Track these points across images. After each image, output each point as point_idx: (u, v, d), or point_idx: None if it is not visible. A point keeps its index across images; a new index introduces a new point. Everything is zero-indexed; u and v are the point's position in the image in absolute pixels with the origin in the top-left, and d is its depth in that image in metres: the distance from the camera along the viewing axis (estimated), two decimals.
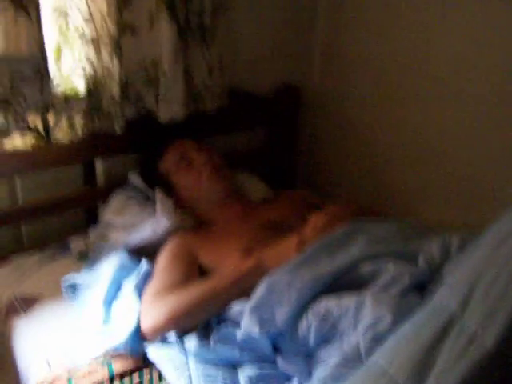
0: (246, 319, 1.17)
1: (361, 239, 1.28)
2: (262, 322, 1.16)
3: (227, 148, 1.93)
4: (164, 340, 1.26)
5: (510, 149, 1.58)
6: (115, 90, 1.49)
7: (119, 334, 1.27)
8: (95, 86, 1.50)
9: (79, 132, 1.49)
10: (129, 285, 1.42)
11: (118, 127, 1.54)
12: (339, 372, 1.03)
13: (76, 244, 1.64)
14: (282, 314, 1.15)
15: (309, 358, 1.16)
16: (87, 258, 1.60)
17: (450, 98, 1.70)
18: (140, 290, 1.40)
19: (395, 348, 0.89)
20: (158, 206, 1.59)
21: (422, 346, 0.83)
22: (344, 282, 1.20)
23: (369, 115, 1.97)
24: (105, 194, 1.73)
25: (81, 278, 1.45)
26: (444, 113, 1.73)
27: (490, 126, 1.60)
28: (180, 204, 1.64)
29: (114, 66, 1.46)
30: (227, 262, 1.42)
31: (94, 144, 1.63)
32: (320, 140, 2.17)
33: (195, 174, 1.62)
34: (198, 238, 1.54)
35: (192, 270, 1.45)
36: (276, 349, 1.19)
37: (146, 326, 1.27)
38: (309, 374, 1.14)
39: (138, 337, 1.27)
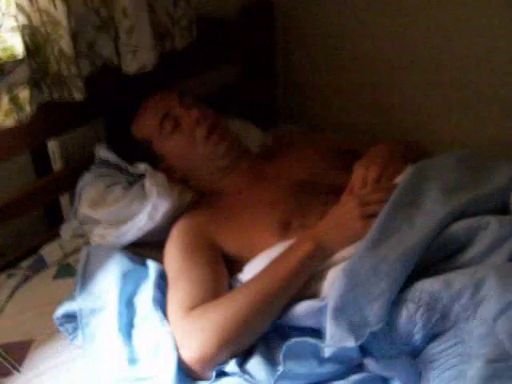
0: (331, 328, 0.89)
1: (432, 190, 1.02)
2: (354, 328, 0.88)
3: (198, 92, 1.54)
4: (220, 373, 0.94)
5: None
6: (65, 41, 1.07)
7: (160, 378, 0.93)
8: (35, 42, 1.06)
9: (27, 110, 1.07)
10: (143, 300, 1.07)
11: (77, 93, 1.12)
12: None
13: (50, 253, 1.25)
14: (375, 311, 0.89)
15: (412, 357, 0.92)
16: (71, 271, 1.21)
17: None
18: (160, 303, 1.05)
19: None
20: (150, 185, 1.21)
21: None
22: (432, 254, 0.95)
23: (355, 22, 1.62)
24: (67, 183, 1.33)
25: (76, 303, 1.07)
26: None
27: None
28: (173, 177, 1.27)
29: (57, 9, 1.03)
30: (261, 246, 1.10)
31: (44, 121, 1.21)
32: (299, 64, 1.80)
33: (187, 137, 1.24)
34: (211, 217, 1.19)
35: (217, 262, 1.12)
36: (362, 349, 0.92)
37: (192, 357, 0.94)
38: (415, 374, 0.89)
39: (185, 376, 0.94)
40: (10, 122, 1.05)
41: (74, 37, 1.10)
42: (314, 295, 1.00)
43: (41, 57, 1.08)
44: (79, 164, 1.35)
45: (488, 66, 1.44)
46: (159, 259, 1.16)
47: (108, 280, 1.11)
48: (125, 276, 1.11)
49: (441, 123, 1.57)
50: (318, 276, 1.01)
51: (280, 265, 1.00)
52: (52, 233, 1.33)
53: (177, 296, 1.04)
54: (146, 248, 1.24)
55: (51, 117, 1.24)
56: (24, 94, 1.06)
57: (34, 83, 1.09)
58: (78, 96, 1.13)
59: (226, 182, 1.27)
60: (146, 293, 1.08)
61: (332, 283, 0.96)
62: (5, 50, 1.00)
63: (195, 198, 1.27)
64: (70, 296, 1.10)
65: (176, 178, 1.27)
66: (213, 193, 1.27)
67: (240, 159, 1.28)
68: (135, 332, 1.03)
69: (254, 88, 1.75)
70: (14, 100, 1.04)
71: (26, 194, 1.30)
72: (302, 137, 1.50)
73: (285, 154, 1.32)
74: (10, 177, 1.30)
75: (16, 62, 1.03)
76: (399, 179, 1.07)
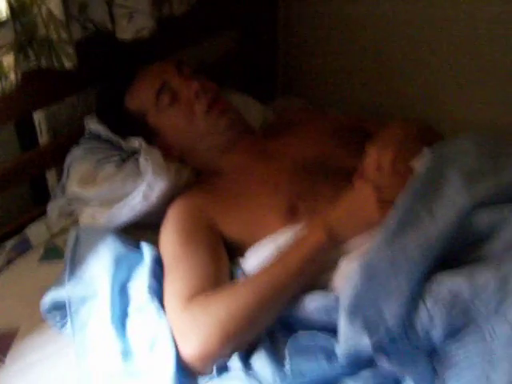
0: (345, 326, 0.82)
1: (452, 177, 0.94)
2: (370, 326, 0.82)
3: (194, 62, 1.45)
4: (223, 369, 0.87)
5: None
6: (54, 2, 0.96)
7: (156, 374, 0.85)
8: (21, 1, 0.95)
9: (11, 78, 0.96)
10: (138, 288, 0.99)
11: (67, 60, 1.02)
12: None
13: (36, 234, 1.16)
14: (393, 309, 0.82)
15: (427, 353, 0.85)
16: (58, 253, 1.12)
17: None
18: (156, 292, 0.97)
19: None
20: (145, 162, 1.12)
21: None
22: (453, 246, 0.88)
23: None
24: (54, 158, 1.23)
25: (65, 290, 0.99)
26: None
27: None
28: (170, 155, 1.17)
29: None
30: (265, 230, 1.02)
31: (30, 91, 1.11)
32: (302, 33, 1.69)
33: (185, 110, 1.15)
34: (211, 198, 1.10)
35: (217, 246, 1.04)
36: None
37: (193, 354, 0.87)
38: (430, 372, 0.83)
39: (184, 373, 0.86)
40: None
41: None
42: (323, 286, 0.94)
43: (26, 18, 0.98)
44: (67, 137, 1.26)
45: (502, 43, 1.35)
46: (155, 242, 1.07)
47: (99, 265, 1.02)
48: (117, 261, 1.03)
49: (451, 102, 1.48)
50: (329, 265, 0.94)
51: (289, 256, 0.92)
52: (38, 211, 1.24)
53: (174, 285, 0.96)
54: (140, 229, 1.15)
55: (37, 85, 1.14)
56: (8, 59, 0.95)
57: (20, 48, 0.99)
58: (68, 64, 1.03)
59: (227, 159, 1.18)
60: (141, 280, 1.00)
61: (345, 276, 0.89)
62: None
63: (193, 177, 1.18)
64: (58, 281, 1.01)
65: (172, 155, 1.18)
66: (212, 172, 1.18)
67: (242, 135, 1.19)
68: (129, 323, 0.95)
69: (253, 58, 1.65)
70: None
71: (10, 168, 1.21)
72: (306, 113, 1.40)
73: (289, 131, 1.23)
74: None
75: None
76: (415, 163, 0.99)
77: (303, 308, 0.90)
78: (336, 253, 0.94)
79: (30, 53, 1.02)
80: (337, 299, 0.86)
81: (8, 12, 0.92)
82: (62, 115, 1.25)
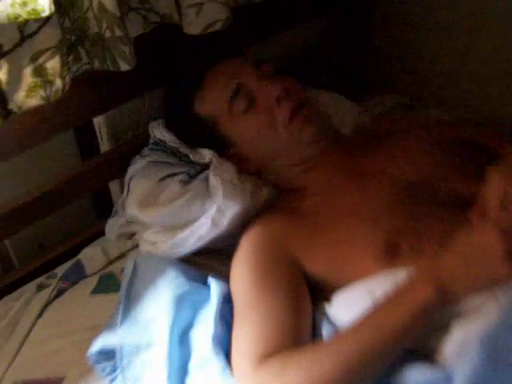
0: None
1: None
2: None
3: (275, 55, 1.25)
4: None
5: None
6: None
7: None
8: None
9: (57, 84, 0.81)
10: (202, 336, 0.82)
11: (124, 62, 0.86)
12: None
13: (91, 260, 1.01)
14: None
15: None
16: (114, 283, 0.97)
17: None
18: (223, 342, 0.80)
19: None
20: (215, 180, 0.94)
21: None
22: None
23: None
24: (117, 166, 1.09)
25: (117, 337, 0.84)
26: None
27: None
28: (245, 169, 0.99)
29: None
30: (358, 272, 0.83)
31: (87, 94, 0.96)
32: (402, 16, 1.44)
33: (264, 118, 0.96)
34: (292, 225, 0.91)
35: (299, 288, 0.86)
36: None
37: None
38: None
39: None
40: (34, 100, 0.80)
41: None
42: (428, 351, 0.74)
43: (75, 13, 0.82)
44: (132, 145, 1.11)
45: None
46: (226, 273, 0.90)
47: (158, 305, 0.86)
48: (180, 301, 0.87)
49: None
50: (437, 326, 0.73)
51: (387, 314, 0.72)
52: (103, 227, 1.10)
53: (245, 339, 0.78)
54: (208, 256, 0.98)
55: (95, 89, 0.99)
56: (53, 64, 0.80)
57: (68, 49, 0.83)
58: (124, 66, 0.87)
59: (312, 177, 0.98)
60: (206, 326, 0.83)
61: (458, 347, 0.68)
62: (24, 3, 0.73)
63: (272, 197, 0.99)
64: (110, 323, 0.86)
65: (248, 170, 0.99)
66: (293, 190, 0.99)
67: (330, 148, 0.98)
68: (188, 382, 0.78)
69: (345, 50, 1.43)
70: (38, 71, 0.78)
71: (70, 179, 1.07)
72: (408, 121, 1.15)
73: (387, 144, 1.01)
74: (53, 159, 1.07)
75: (41, 21, 0.76)
76: None
77: (402, 380, 0.70)
78: (446, 313, 0.72)
79: (82, 53, 0.86)
80: (446, 377, 0.66)
81: (52, 7, 0.75)
82: (124, 120, 1.10)
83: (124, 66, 0.87)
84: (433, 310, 0.72)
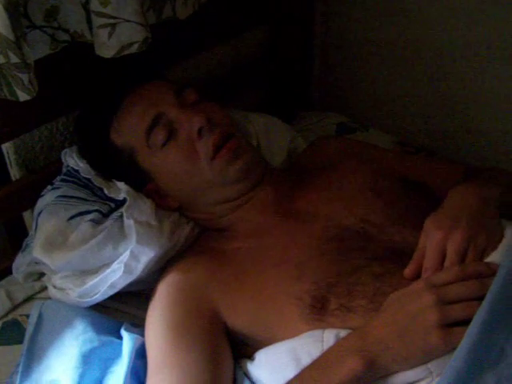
0: None
1: None
2: None
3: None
4: None
5: None
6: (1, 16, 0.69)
7: None
8: None
9: None
10: None
11: (22, 91, 0.75)
12: None
13: None
14: None
15: None
16: (18, 333, 0.88)
17: None
18: None
19: None
20: (129, 221, 0.85)
21: None
22: None
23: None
24: (28, 198, 0.98)
25: None
26: None
27: None
28: (164, 205, 0.91)
29: None
30: (282, 329, 0.76)
31: None
32: (343, 32, 1.37)
33: (185, 152, 0.87)
34: (215, 273, 0.84)
35: (220, 342, 0.79)
36: None
37: None
38: None
39: None
40: None
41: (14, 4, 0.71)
42: None
43: None
44: (44, 173, 1.00)
45: None
46: (143, 317, 0.83)
47: (63, 364, 0.77)
48: (87, 358, 0.78)
49: None
50: None
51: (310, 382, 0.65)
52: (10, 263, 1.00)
53: None
54: (124, 300, 0.90)
55: (2, 113, 0.88)
56: None
57: None
58: (23, 95, 0.76)
59: (239, 216, 0.90)
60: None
61: None
62: None
63: (193, 236, 0.91)
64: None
65: (168, 206, 0.91)
66: (218, 230, 0.91)
67: (260, 184, 0.91)
68: None
69: (280, 66, 1.35)
70: None
71: None
72: (346, 145, 1.07)
73: (322, 177, 0.94)
74: None
75: None
76: (498, 254, 0.70)
77: None
78: None
79: None
80: None
81: None
82: (35, 145, 0.99)
83: (23, 96, 0.77)
84: (360, 382, 0.65)
